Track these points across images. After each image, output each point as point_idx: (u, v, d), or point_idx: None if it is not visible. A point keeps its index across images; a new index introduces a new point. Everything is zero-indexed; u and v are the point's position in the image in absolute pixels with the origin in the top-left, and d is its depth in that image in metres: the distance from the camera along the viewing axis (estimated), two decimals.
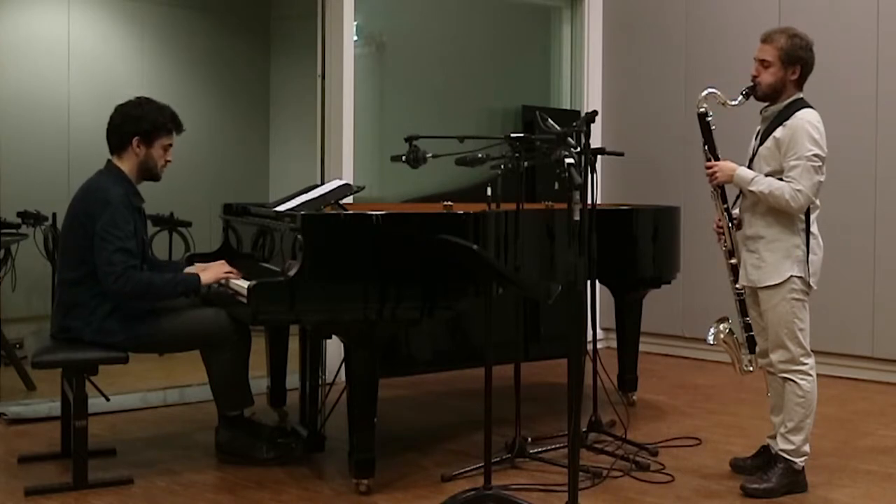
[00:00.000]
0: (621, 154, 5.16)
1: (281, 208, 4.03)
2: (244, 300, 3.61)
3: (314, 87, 5.83)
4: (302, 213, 3.66)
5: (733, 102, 3.77)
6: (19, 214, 6.22)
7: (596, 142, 5.79)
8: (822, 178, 3.65)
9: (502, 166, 3.86)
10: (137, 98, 3.99)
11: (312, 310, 3.56)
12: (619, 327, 5.17)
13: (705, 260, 5.91)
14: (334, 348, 4.81)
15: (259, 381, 4.66)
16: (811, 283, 3.69)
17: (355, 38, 5.87)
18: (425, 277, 3.64)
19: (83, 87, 7.26)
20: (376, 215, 3.63)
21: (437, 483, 3.81)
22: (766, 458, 3.90)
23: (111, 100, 4.04)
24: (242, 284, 3.70)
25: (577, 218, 3.03)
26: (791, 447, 3.73)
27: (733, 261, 3.88)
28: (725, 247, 3.89)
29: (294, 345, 4.65)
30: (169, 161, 4.02)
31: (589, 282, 4.10)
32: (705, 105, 3.83)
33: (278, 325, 4.56)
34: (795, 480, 3.74)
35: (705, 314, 4.38)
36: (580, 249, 3.09)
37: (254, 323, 3.95)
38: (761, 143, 3.77)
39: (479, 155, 3.82)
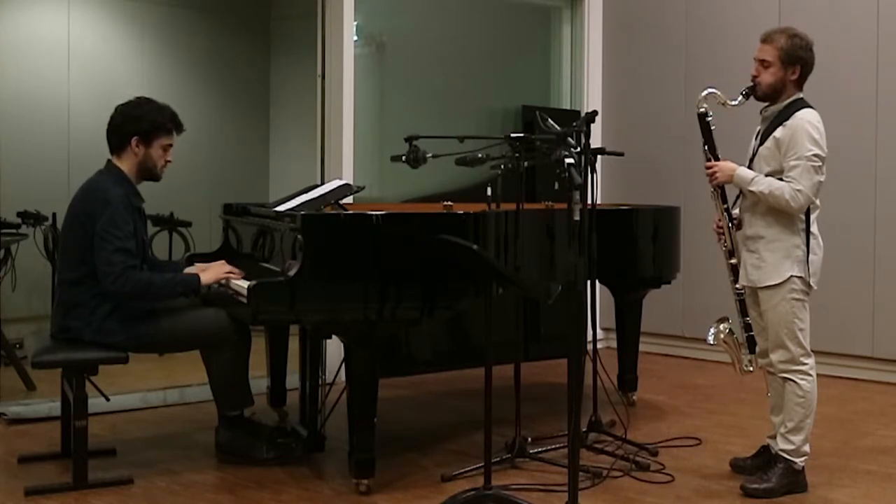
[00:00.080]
0: (621, 154, 5.16)
1: (281, 208, 4.03)
2: (244, 300, 3.61)
3: (314, 87, 5.83)
4: (302, 213, 3.66)
5: (733, 102, 3.77)
6: (19, 214, 6.22)
7: (596, 142, 5.79)
8: (822, 178, 3.65)
9: (502, 166, 3.86)
10: (137, 98, 3.99)
11: (312, 310, 3.56)
12: (619, 327, 5.17)
13: (705, 260, 5.91)
14: (334, 348, 4.81)
15: (259, 381, 4.66)
16: (811, 283, 3.69)
17: (355, 38, 5.87)
18: (425, 277, 3.64)
19: (83, 87, 7.26)
20: (376, 215, 3.63)
21: (437, 483, 3.81)
22: (766, 458, 3.90)
23: (111, 100, 4.04)
24: (242, 284, 3.70)
25: (577, 218, 3.03)
26: (791, 447, 3.73)
27: (733, 261, 3.88)
28: (725, 247, 3.89)
29: (294, 345, 4.65)
30: (169, 161, 4.02)
31: (589, 282, 4.10)
32: (705, 105, 3.83)
33: (278, 325, 4.56)
34: (795, 480, 3.74)
35: (705, 314, 4.38)
36: (580, 249, 3.09)
37: (254, 323, 3.95)
38: (761, 143, 3.77)
39: (479, 155, 3.82)
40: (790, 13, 5.96)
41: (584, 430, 4.27)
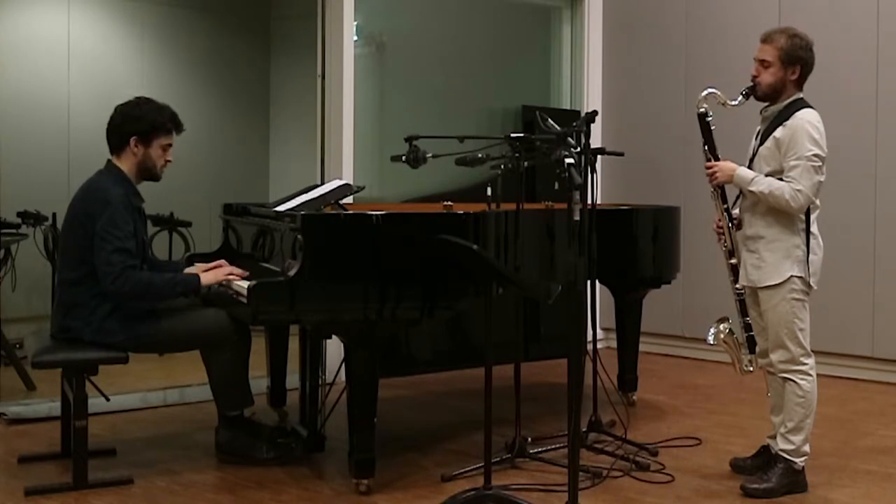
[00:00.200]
0: (621, 154, 5.16)
1: (281, 208, 4.03)
2: (244, 300, 3.61)
3: (314, 87, 5.83)
4: (302, 213, 3.66)
5: (733, 102, 3.77)
6: (19, 214, 6.22)
7: (596, 142, 5.79)
8: (822, 178, 3.65)
9: (502, 166, 3.86)
10: (137, 98, 3.99)
11: (312, 310, 3.56)
12: (619, 327, 5.17)
13: (705, 260, 5.91)
14: (334, 348, 4.81)
15: (259, 381, 4.66)
16: (811, 283, 3.69)
17: (355, 38, 5.87)
18: (425, 277, 3.64)
19: (83, 87, 7.26)
20: (376, 215, 3.63)
21: (437, 483, 3.81)
22: (766, 458, 3.90)
23: (111, 100, 4.04)
24: (243, 285, 3.70)
25: (577, 218, 3.03)
26: (791, 447, 3.73)
27: (733, 261, 3.88)
28: (725, 247, 3.89)
29: (294, 345, 4.65)
30: (169, 161, 4.01)
31: (589, 282, 4.10)
32: (705, 105, 3.83)
33: (278, 325, 4.56)
34: (795, 480, 3.74)
35: (705, 314, 4.38)
36: (580, 249, 3.09)
37: (254, 323, 3.95)
38: (761, 143, 3.77)
39: (479, 155, 3.82)
40: (790, 13, 5.96)
41: (584, 430, 4.27)
